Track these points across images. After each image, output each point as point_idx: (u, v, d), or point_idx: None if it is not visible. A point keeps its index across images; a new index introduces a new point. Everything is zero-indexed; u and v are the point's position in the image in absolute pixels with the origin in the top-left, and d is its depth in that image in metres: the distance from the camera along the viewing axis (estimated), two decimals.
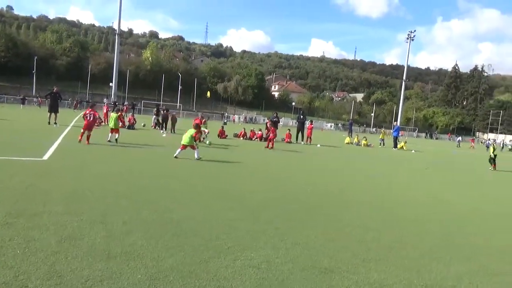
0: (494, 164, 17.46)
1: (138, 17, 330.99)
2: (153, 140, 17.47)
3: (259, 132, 23.07)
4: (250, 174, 10.14)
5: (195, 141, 12.03)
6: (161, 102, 55.61)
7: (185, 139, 11.60)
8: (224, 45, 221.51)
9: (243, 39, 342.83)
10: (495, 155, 17.57)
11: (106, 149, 12.45)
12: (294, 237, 4.98)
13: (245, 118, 64.75)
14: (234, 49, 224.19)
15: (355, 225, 5.84)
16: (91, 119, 12.99)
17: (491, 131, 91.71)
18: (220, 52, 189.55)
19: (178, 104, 64.99)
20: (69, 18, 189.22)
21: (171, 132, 22.43)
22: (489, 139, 59.75)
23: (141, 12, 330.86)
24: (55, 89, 20.66)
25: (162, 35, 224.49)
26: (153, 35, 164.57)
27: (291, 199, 7.34)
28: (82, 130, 12.80)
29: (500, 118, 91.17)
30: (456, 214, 7.54)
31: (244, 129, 23.94)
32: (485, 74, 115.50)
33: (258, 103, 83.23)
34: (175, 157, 11.39)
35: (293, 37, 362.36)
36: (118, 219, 4.98)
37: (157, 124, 24.77)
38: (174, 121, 23.39)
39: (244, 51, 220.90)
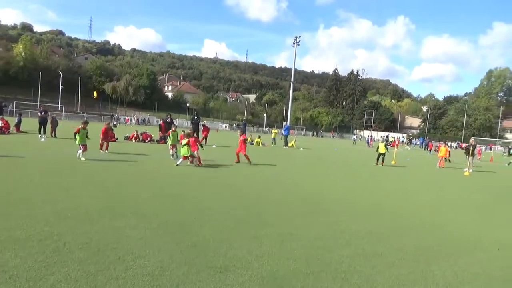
0: (383, 161, 18.67)
1: (7, 5, 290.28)
2: (28, 146, 15.56)
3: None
4: (137, 180, 9.70)
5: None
6: (38, 103, 49.73)
7: (184, 151, 12.38)
8: (112, 43, 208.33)
9: (132, 37, 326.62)
10: (384, 153, 18.68)
11: None
12: (189, 239, 4.92)
13: (137, 119, 61.82)
14: (123, 47, 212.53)
15: (249, 222, 6.03)
16: None
17: (366, 128, 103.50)
18: (107, 50, 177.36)
19: (59, 105, 59.14)
20: None
21: (52, 136, 20.26)
22: (354, 136, 67.26)
23: (10, 0, 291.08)
24: None
25: (38, 28, 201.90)
26: (27, 27, 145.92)
27: (185, 202, 7.24)
28: None
29: (372, 117, 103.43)
30: (337, 204, 8.30)
31: (137, 131, 22.86)
32: (360, 77, 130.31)
33: (150, 104, 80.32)
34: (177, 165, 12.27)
35: (186, 37, 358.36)
36: None
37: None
38: (54, 124, 21.13)
39: (134, 50, 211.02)
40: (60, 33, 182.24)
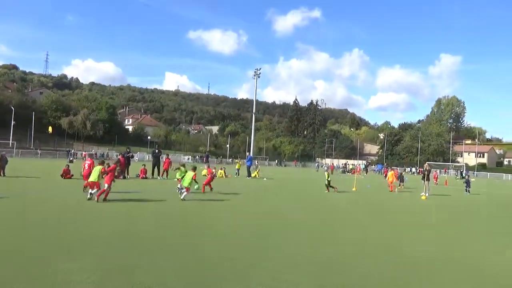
0: (328, 188, 19.74)
1: None
2: None
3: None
4: (92, 219, 9.21)
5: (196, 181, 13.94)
6: None
7: (186, 181, 12.92)
8: (69, 76, 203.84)
9: (91, 70, 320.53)
10: (329, 181, 19.88)
11: None
12: (142, 284, 4.63)
13: (95, 154, 59.70)
14: (81, 81, 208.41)
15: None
16: None
17: (328, 156, 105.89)
18: (64, 84, 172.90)
19: (11, 141, 56.19)
20: None
21: (1, 175, 19.03)
22: (317, 164, 68.91)
23: None
24: None
25: None
26: None
27: (140, 241, 6.91)
28: None
29: (333, 145, 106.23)
30: (283, 225, 8.25)
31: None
32: (319, 107, 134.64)
33: (110, 138, 78.12)
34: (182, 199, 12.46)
35: (147, 70, 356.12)
36: None
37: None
38: (3, 162, 19.89)
39: (92, 83, 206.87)
40: (14, 67, 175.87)
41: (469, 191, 24.14)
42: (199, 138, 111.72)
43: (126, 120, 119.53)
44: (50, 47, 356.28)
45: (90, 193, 11.47)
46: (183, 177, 14.14)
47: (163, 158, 24.85)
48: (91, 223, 8.33)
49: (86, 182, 12.68)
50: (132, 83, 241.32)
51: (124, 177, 21.32)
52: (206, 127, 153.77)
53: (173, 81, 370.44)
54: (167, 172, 23.48)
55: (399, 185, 24.83)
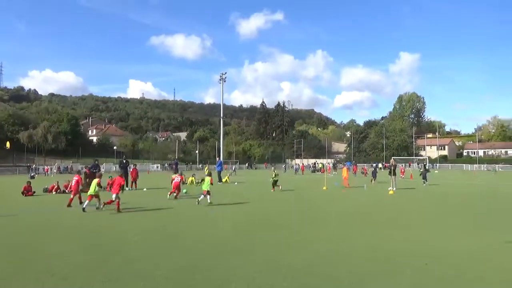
0: (274, 187, 20.36)
1: None
2: None
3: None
4: (54, 237, 8.81)
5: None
6: None
7: (205, 185, 14.10)
8: (26, 88, 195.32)
9: (49, 81, 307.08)
10: (275, 180, 20.55)
11: None
12: None
13: (59, 168, 57.43)
14: (40, 93, 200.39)
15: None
16: None
17: (297, 157, 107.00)
18: (21, 96, 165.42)
19: None
20: None
21: None
22: (284, 165, 69.75)
23: None
24: None
25: None
26: None
27: (107, 256, 6.65)
28: None
29: (302, 145, 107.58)
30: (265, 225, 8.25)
31: (58, 182, 21.02)
32: (287, 109, 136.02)
33: (73, 151, 75.33)
34: (198, 202, 13.69)
35: (109, 78, 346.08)
36: None
37: None
38: None
39: (52, 94, 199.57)
40: None
41: (426, 183, 25.25)
42: (167, 145, 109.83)
43: (90, 131, 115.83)
44: (3, 58, 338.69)
45: (84, 206, 12.11)
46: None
47: (131, 168, 24.23)
48: (63, 240, 7.94)
49: (72, 197, 13.92)
50: (95, 92, 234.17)
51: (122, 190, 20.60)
52: (174, 134, 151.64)
53: (137, 89, 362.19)
54: (135, 182, 22.98)
55: (372, 181, 25.55)
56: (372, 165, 41.58)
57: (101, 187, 12.85)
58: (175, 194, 16.27)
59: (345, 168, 26.17)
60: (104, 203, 12.53)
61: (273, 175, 20.82)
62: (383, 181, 27.55)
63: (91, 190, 12.41)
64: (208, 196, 13.92)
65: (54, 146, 74.14)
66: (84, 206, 12.10)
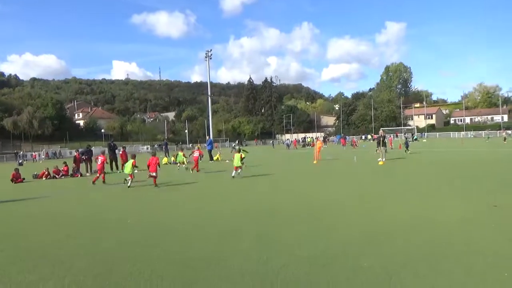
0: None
1: None
2: None
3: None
4: (42, 224, 8.75)
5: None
6: None
7: (236, 162, 15.40)
8: (6, 74, 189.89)
9: (30, 65, 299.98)
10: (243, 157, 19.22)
11: None
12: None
13: (47, 154, 56.66)
14: (21, 78, 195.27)
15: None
16: None
17: (287, 132, 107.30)
18: (2, 82, 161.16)
19: None
20: None
21: None
22: (272, 141, 70.02)
23: None
24: None
25: None
26: None
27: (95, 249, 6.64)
28: None
29: (291, 120, 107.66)
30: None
31: (48, 168, 20.66)
32: (274, 84, 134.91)
33: (60, 135, 74.23)
34: (233, 177, 15.12)
35: (92, 60, 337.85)
36: None
37: None
38: None
39: (34, 79, 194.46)
40: None
41: (407, 150, 27.05)
42: (156, 126, 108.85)
43: (76, 114, 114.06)
44: None
45: (129, 181, 13.96)
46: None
47: (120, 150, 24.05)
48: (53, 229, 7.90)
49: (97, 176, 15.85)
50: (78, 75, 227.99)
51: (80, 175, 20.50)
52: (162, 114, 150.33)
53: (121, 70, 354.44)
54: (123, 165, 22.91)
55: (406, 151, 27.08)
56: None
57: (137, 167, 14.46)
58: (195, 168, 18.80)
59: (319, 141, 26.48)
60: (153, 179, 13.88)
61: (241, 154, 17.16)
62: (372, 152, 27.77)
63: (128, 170, 13.94)
64: (239, 170, 15.49)
65: (40, 131, 72.90)
66: (129, 184, 13.83)
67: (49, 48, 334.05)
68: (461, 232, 6.08)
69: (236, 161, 15.42)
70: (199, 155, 19.69)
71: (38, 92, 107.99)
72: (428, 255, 4.96)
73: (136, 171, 14.70)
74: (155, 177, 13.80)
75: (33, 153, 54.44)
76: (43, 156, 54.41)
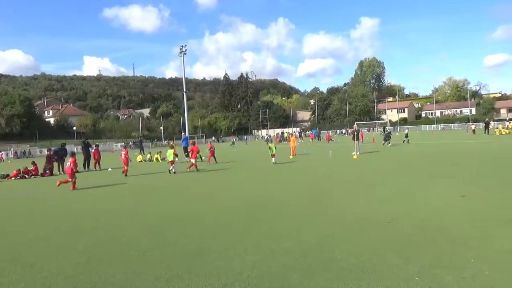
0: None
1: None
2: None
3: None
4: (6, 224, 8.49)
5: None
6: None
7: (272, 150, 18.83)
8: None
9: None
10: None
11: None
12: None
13: (15, 153, 54.66)
14: None
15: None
16: None
17: (263, 127, 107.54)
18: None
19: None
20: None
21: None
22: (246, 137, 70.15)
23: None
24: None
25: None
26: None
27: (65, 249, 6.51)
28: None
29: (267, 116, 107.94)
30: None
31: (20, 169, 19.77)
32: (250, 79, 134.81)
33: (30, 134, 71.86)
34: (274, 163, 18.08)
35: (63, 56, 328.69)
36: None
37: None
38: None
39: (0, 75, 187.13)
40: None
41: (388, 144, 28.64)
42: (130, 123, 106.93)
43: (46, 112, 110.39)
44: None
45: (173, 169, 16.35)
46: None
47: (93, 148, 23.54)
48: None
49: (126, 168, 16.92)
50: (47, 71, 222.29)
51: (51, 174, 19.92)
52: (136, 110, 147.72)
53: (93, 66, 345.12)
54: (98, 163, 22.52)
55: (384, 144, 28.63)
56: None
57: (177, 156, 16.72)
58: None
59: (293, 138, 27.08)
60: (192, 165, 16.81)
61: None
62: (348, 146, 28.28)
63: (170, 158, 16.40)
64: (273, 159, 18.61)
65: (8, 130, 70.39)
66: (173, 170, 16.25)
67: (15, 43, 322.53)
68: (432, 221, 6.30)
69: (272, 150, 18.80)
70: (213, 150, 22.91)
71: (5, 88, 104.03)
72: (399, 245, 5.13)
73: (176, 159, 16.78)
74: (196, 164, 16.83)
75: (1, 152, 52.42)
76: (12, 156, 52.50)
